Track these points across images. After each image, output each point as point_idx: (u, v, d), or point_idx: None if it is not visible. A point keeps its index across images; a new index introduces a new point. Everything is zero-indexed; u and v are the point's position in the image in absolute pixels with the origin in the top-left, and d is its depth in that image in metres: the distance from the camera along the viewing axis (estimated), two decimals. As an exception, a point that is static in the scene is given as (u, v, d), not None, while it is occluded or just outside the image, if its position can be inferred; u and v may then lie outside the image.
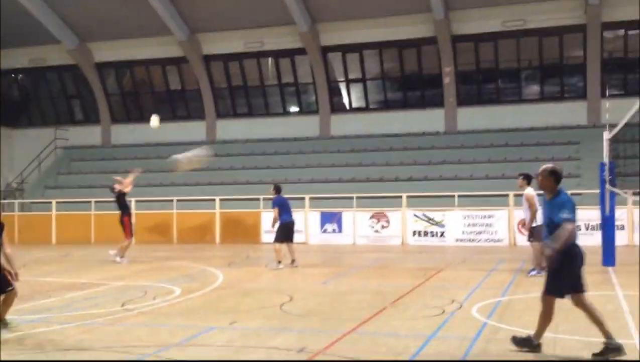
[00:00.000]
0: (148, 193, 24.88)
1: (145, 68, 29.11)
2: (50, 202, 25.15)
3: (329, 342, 7.96)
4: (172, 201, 23.73)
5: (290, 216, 15.61)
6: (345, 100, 28.12)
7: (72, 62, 28.92)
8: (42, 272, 15.69)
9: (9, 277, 8.68)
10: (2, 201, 27.26)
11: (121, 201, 17.52)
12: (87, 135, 29.67)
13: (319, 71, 26.98)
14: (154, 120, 15.89)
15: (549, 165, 7.10)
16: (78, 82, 30.06)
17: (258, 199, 22.79)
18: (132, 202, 23.69)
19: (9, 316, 9.05)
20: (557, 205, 6.81)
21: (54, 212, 24.83)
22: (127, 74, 29.66)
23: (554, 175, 6.96)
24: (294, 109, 28.78)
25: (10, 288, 8.68)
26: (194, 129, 28.37)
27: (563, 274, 6.80)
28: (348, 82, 27.79)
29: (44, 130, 29.86)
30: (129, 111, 29.83)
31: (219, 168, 26.06)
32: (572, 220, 6.70)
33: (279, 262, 15.38)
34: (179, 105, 29.40)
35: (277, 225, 15.46)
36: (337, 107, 27.82)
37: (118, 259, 17.14)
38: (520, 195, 14.27)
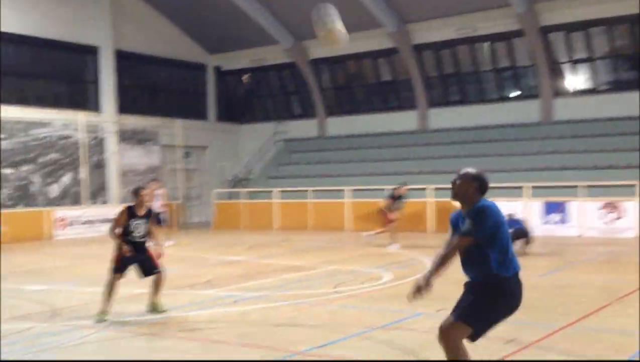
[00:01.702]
0: (362, 183, 25.52)
1: (356, 62, 29.88)
2: (272, 191, 26.79)
3: (543, 335, 7.67)
4: (382, 189, 24.13)
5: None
6: (570, 82, 26.60)
7: (289, 60, 30.51)
8: (263, 255, 16.81)
9: (156, 261, 9.22)
10: (231, 190, 29.55)
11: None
12: (304, 128, 31.13)
13: (540, 53, 25.79)
14: None
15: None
16: (295, 78, 31.64)
17: (469, 188, 22.41)
18: (344, 191, 24.56)
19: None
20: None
21: (275, 200, 26.44)
22: (341, 69, 30.64)
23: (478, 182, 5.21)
24: (511, 94, 27.86)
25: (157, 270, 9.20)
26: (406, 119, 28.58)
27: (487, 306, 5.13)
28: (573, 63, 26.25)
29: (266, 125, 31.84)
30: (342, 104, 30.83)
31: (431, 157, 26.01)
32: (471, 234, 5.04)
33: None
34: (391, 96, 29.80)
35: None
36: (560, 90, 26.42)
37: (392, 247, 17.47)
38: None
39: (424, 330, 8.08)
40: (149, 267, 9.13)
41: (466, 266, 5.25)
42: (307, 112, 31.63)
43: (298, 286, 11.74)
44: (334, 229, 23.84)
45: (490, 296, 5.14)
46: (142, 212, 9.16)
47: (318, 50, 29.78)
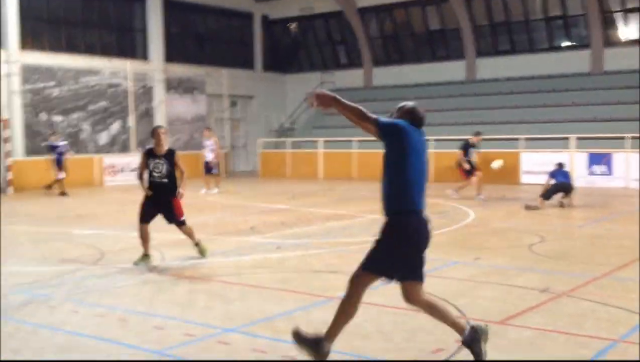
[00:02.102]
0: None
1: (404, 10, 29.38)
2: (317, 141, 26.86)
3: (576, 285, 7.65)
4: (429, 140, 23.94)
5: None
6: (621, 32, 25.74)
7: (338, 9, 30.16)
8: (307, 203, 16.99)
9: (177, 211, 9.27)
10: (276, 140, 29.74)
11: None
12: (350, 78, 30.93)
13: (592, 2, 24.97)
14: None
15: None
16: (342, 28, 31.33)
17: (517, 139, 22.08)
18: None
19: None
20: None
21: (320, 150, 26.53)
22: (388, 17, 30.19)
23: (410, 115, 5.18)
24: (562, 43, 27.13)
25: (178, 221, 9.31)
26: (454, 69, 28.15)
27: (389, 250, 5.02)
28: (625, 12, 25.37)
29: (312, 74, 31.69)
30: (389, 54, 30.46)
31: (478, 107, 25.65)
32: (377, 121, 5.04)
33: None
34: (439, 46, 29.31)
35: None
36: (611, 40, 25.62)
37: (481, 196, 17.10)
38: None
39: (459, 278, 8.14)
40: (170, 218, 9.34)
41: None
42: (353, 62, 31.40)
43: (340, 234, 11.87)
44: (379, 179, 23.81)
45: (385, 235, 5.07)
46: (161, 151, 9.21)
47: (366, -3, 29.42)
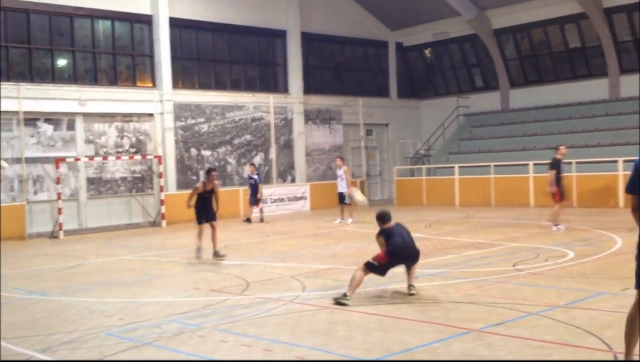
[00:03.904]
0: (546, 157, 24.58)
1: (542, 29, 28.60)
2: (453, 167, 26.63)
3: None
4: (570, 163, 23.11)
5: None
6: None
7: (472, 32, 29.91)
8: (444, 232, 16.90)
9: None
10: (412, 167, 29.78)
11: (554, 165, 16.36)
12: (486, 101, 30.45)
13: None
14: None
15: None
16: (477, 50, 30.97)
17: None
18: (529, 165, 23.83)
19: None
20: None
21: (456, 176, 26.27)
22: (525, 38, 29.54)
23: None
24: None
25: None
26: (596, 87, 27.00)
27: None
28: None
29: (447, 99, 31.50)
30: (526, 75, 29.74)
31: (623, 127, 24.42)
32: None
33: None
34: (579, 64, 28.25)
35: None
36: None
37: (554, 227, 16.01)
38: None
39: (606, 310, 7.85)
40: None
41: None
42: (489, 85, 30.95)
43: (478, 263, 11.76)
44: (518, 205, 23.29)
45: None
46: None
47: (501, 19, 29.01)
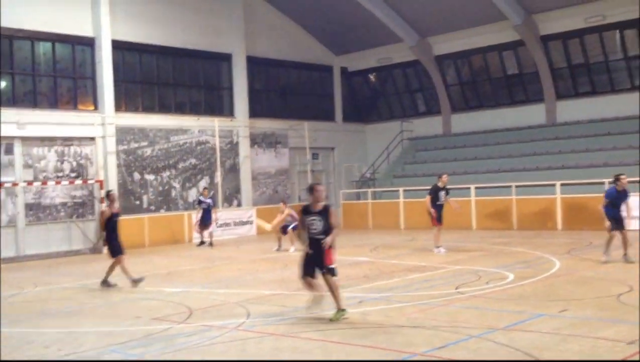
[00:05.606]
0: (487, 180, 25.19)
1: (482, 56, 29.35)
2: (398, 190, 26.93)
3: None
4: (510, 186, 23.66)
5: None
6: None
7: (414, 58, 30.47)
8: (389, 255, 17.06)
9: (327, 259, 9.31)
10: (357, 190, 29.99)
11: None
12: (429, 125, 30.96)
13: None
14: None
15: None
16: (420, 76, 31.54)
17: (603, 183, 21.55)
18: (470, 188, 24.30)
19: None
20: None
21: (401, 199, 26.57)
22: (466, 64, 30.25)
23: None
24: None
25: (323, 270, 9.29)
26: (533, 113, 27.78)
27: None
28: None
29: (392, 123, 31.90)
30: (467, 100, 30.42)
31: (560, 151, 25.19)
32: None
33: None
34: (517, 90, 29.05)
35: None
36: None
37: (435, 249, 17.04)
38: None
39: (545, 331, 8.04)
40: (317, 264, 9.33)
41: None
42: (431, 109, 31.51)
43: (422, 287, 11.89)
44: (460, 227, 23.66)
45: None
46: (317, 208, 9.31)
47: (442, 45, 29.60)
